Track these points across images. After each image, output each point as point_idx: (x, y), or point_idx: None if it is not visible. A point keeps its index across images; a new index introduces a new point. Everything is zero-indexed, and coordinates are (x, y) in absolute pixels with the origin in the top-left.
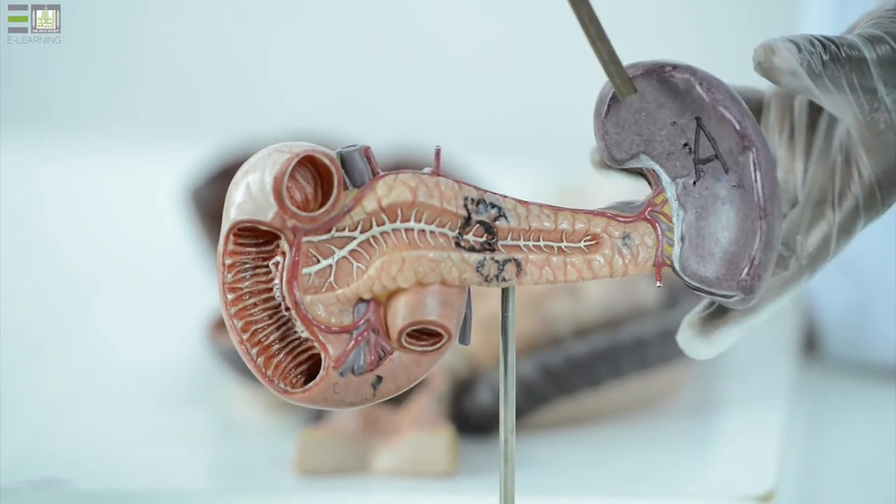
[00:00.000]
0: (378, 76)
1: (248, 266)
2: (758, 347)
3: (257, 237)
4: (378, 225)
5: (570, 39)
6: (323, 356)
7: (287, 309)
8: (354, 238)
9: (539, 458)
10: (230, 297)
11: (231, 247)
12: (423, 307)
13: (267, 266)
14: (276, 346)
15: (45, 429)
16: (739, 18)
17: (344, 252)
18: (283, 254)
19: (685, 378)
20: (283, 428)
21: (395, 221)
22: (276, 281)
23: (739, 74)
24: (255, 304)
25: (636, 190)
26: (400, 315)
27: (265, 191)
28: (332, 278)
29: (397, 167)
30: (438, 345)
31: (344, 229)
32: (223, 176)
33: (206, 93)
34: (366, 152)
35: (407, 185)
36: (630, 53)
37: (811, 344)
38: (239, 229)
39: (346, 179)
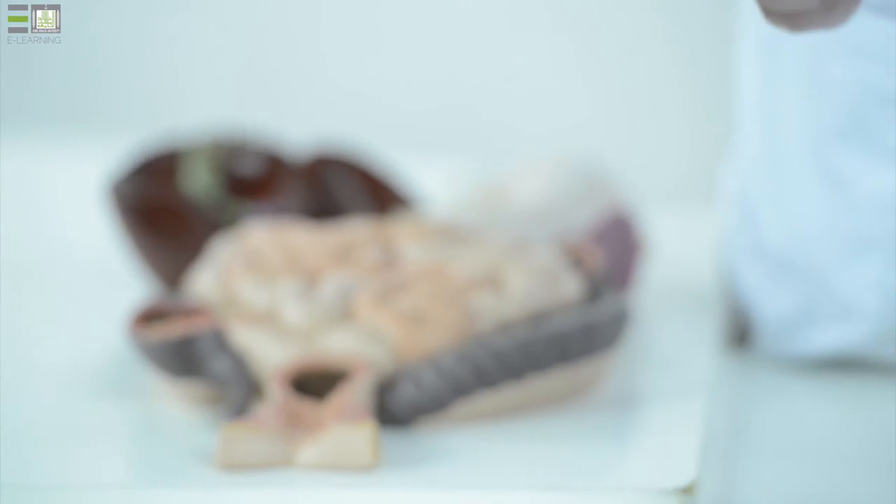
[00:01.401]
0: (297, 70)
1: None
2: (681, 340)
3: None
4: None
5: (495, 33)
6: None
7: None
8: None
9: (461, 451)
10: None
11: None
12: None
13: None
14: None
15: None
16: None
17: None
18: None
19: (607, 370)
20: (204, 423)
21: None
22: None
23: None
24: None
25: (560, 187)
26: None
27: None
28: None
29: (319, 162)
30: None
31: None
32: (143, 170)
33: (128, 88)
34: None
35: None
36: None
37: (742, 337)
38: None
39: None
